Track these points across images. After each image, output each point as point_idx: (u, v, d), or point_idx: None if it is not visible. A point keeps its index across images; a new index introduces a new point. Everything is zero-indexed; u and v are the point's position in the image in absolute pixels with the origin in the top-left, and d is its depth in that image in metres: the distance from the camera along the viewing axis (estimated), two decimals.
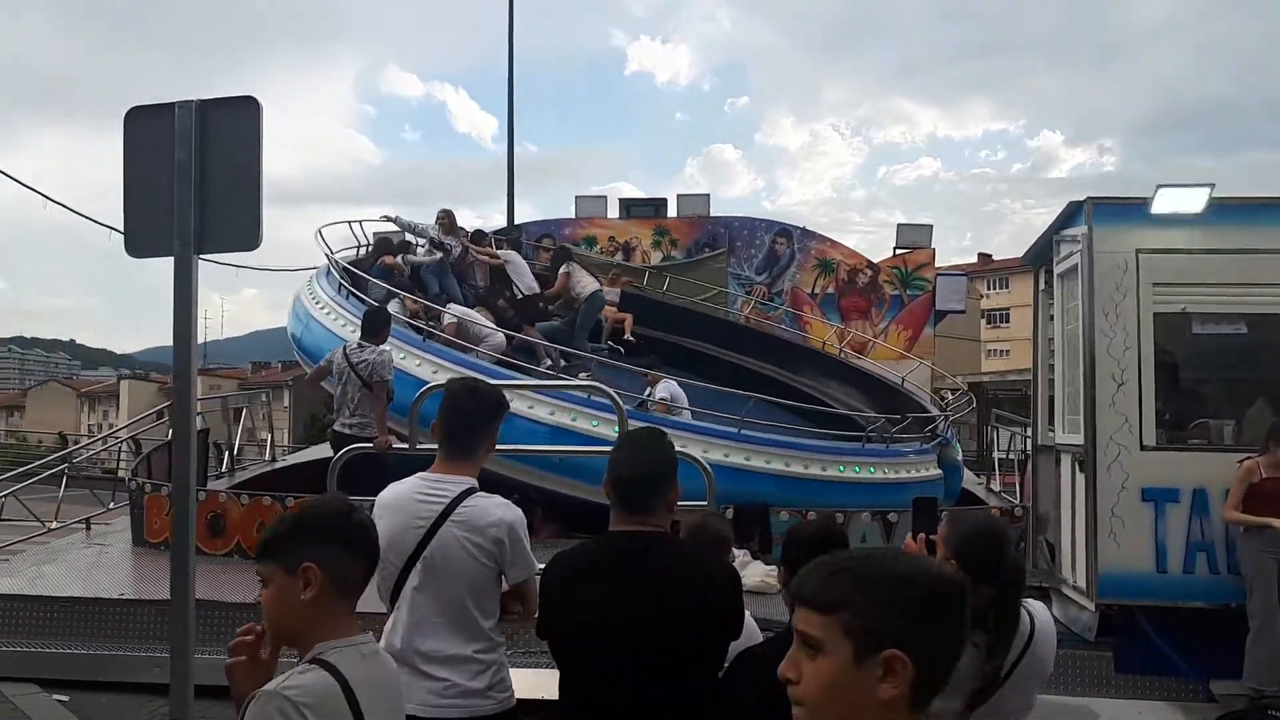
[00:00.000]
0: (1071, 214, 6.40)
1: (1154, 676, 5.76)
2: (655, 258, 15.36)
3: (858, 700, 1.25)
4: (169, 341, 3.83)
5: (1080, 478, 6.07)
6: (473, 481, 2.85)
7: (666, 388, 9.17)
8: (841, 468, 8.83)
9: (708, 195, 16.17)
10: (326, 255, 10.86)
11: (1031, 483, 7.67)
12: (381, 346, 7.30)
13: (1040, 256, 7.21)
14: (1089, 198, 6.12)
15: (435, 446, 2.93)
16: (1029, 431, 8.31)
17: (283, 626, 1.88)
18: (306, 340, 9.94)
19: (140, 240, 3.82)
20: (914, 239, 15.60)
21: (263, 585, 1.90)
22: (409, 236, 11.55)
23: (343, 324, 9.35)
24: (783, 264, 15.43)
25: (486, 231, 12.31)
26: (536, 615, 2.60)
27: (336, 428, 7.36)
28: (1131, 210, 6.01)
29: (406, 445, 5.86)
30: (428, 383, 6.38)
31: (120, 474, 13.12)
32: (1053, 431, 7.02)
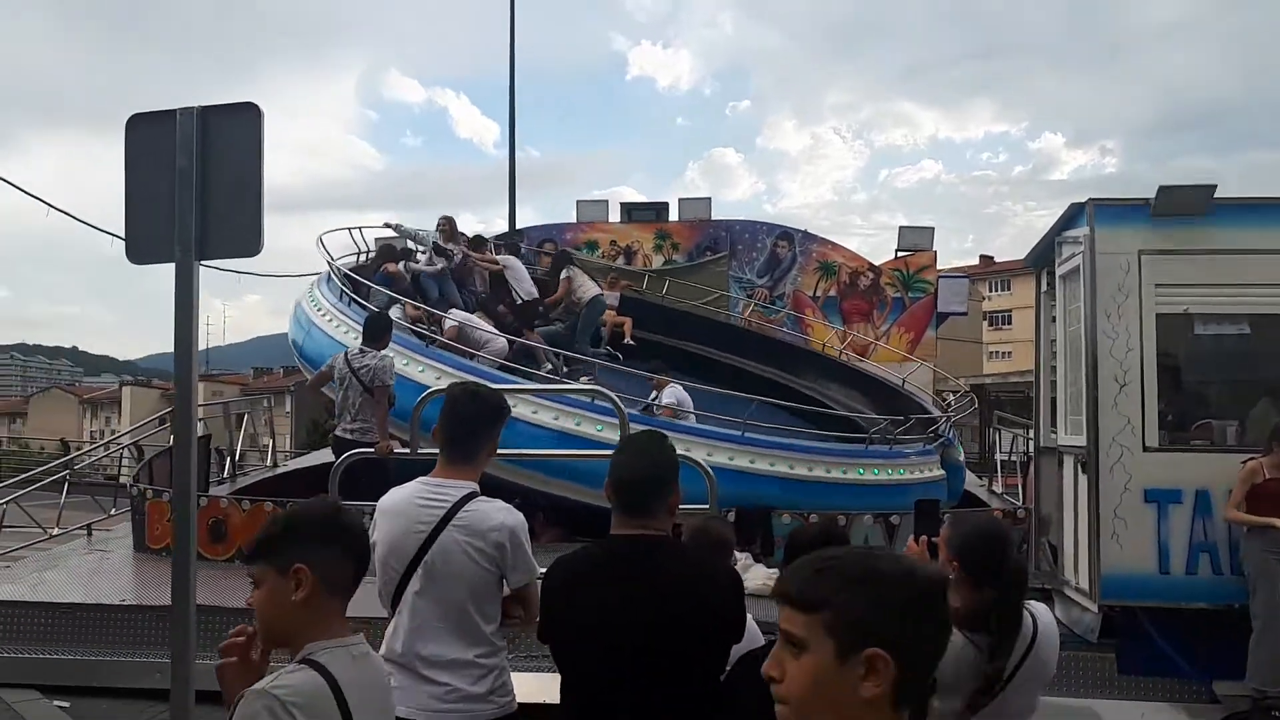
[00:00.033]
0: (1073, 215, 6.39)
1: (1157, 678, 5.75)
2: (657, 261, 15.35)
3: (841, 699, 1.26)
4: (171, 348, 3.83)
5: (1083, 479, 6.06)
6: (474, 486, 2.84)
7: (673, 393, 9.16)
8: (845, 470, 8.83)
9: (709, 199, 16.18)
10: (328, 262, 10.88)
11: (1034, 484, 7.66)
12: (383, 352, 7.30)
13: (1042, 258, 7.21)
14: (1091, 199, 6.12)
15: (436, 451, 2.93)
16: (1031, 433, 8.30)
17: (274, 627, 1.89)
18: (308, 347, 9.94)
19: (141, 247, 3.82)
20: (916, 241, 15.59)
21: (254, 586, 1.91)
22: (410, 244, 11.57)
23: (345, 330, 9.36)
24: (784, 267, 15.43)
25: (486, 237, 12.32)
26: (538, 620, 2.60)
27: (338, 433, 7.37)
28: (1133, 211, 6.01)
29: (408, 450, 5.86)
30: (430, 388, 6.38)
31: (122, 480, 13.13)
32: (1055, 433, 7.01)
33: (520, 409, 7.95)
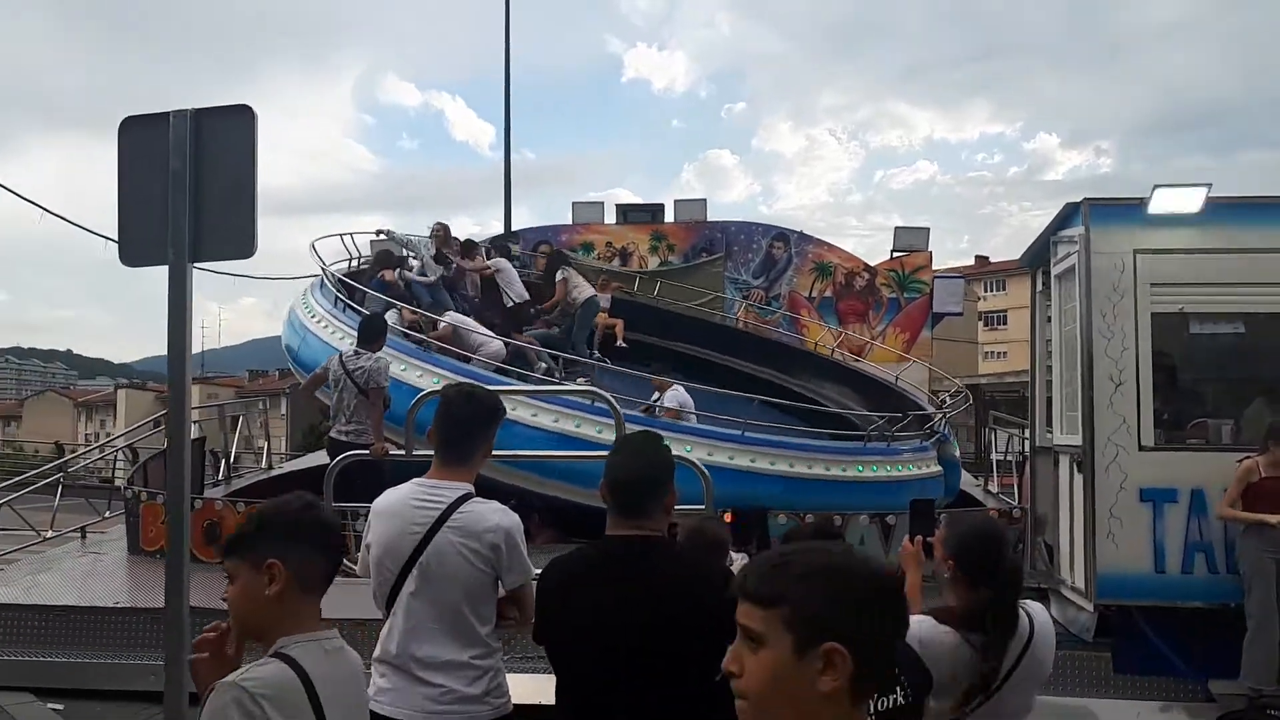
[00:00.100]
0: (1069, 215, 6.40)
1: (1152, 677, 5.76)
2: (652, 263, 15.34)
3: (798, 693, 1.26)
4: (166, 351, 3.82)
5: (1078, 478, 6.06)
6: (469, 487, 2.84)
7: (675, 396, 9.16)
8: (844, 467, 8.88)
9: (704, 200, 16.17)
10: (322, 268, 10.86)
11: (1030, 484, 7.66)
12: (378, 354, 7.29)
13: (1037, 258, 7.21)
14: (1086, 199, 6.12)
15: (432, 452, 2.92)
16: (1027, 433, 8.31)
17: (248, 621, 1.93)
18: (304, 354, 9.91)
19: (135, 249, 3.81)
20: (911, 242, 15.61)
21: (229, 581, 1.94)
22: (405, 250, 11.56)
23: (340, 337, 9.33)
24: (780, 268, 15.43)
25: (476, 241, 12.34)
26: (533, 621, 2.59)
27: (333, 435, 7.35)
28: (1129, 211, 6.02)
29: (403, 451, 5.85)
30: (425, 391, 6.37)
31: (116, 483, 13.10)
32: (1051, 433, 7.01)
33: (520, 412, 7.95)
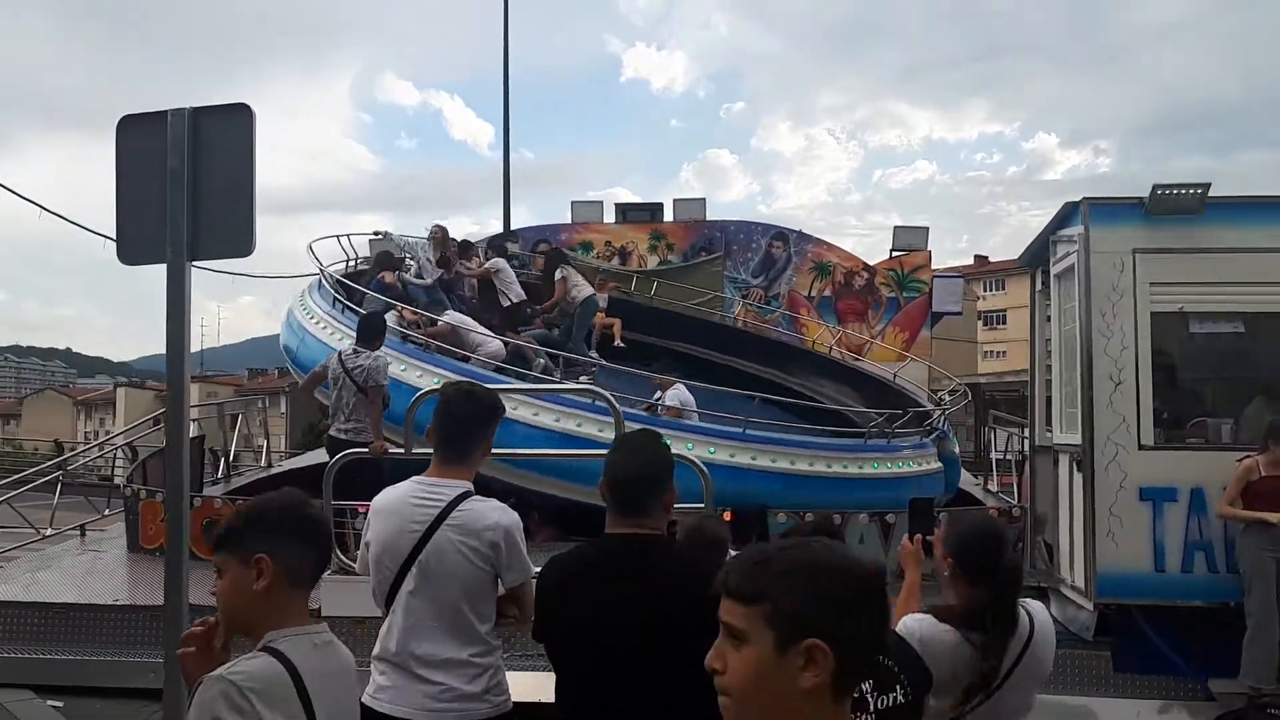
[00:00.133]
0: (1068, 214, 6.40)
1: (1152, 676, 5.76)
2: (652, 262, 15.35)
3: (780, 690, 1.26)
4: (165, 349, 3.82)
5: (1078, 477, 6.06)
6: (468, 485, 2.83)
7: (676, 395, 9.17)
8: (845, 464, 8.90)
9: (704, 200, 16.18)
10: (320, 270, 10.86)
11: (1029, 483, 7.66)
12: (376, 352, 7.28)
13: (1037, 257, 7.21)
14: (1085, 198, 6.12)
15: (431, 451, 2.91)
16: (1026, 432, 8.31)
17: (237, 616, 1.94)
18: (302, 355, 9.90)
19: (133, 248, 3.81)
20: (910, 241, 15.61)
21: (218, 576, 1.95)
22: (403, 253, 11.58)
23: (339, 338, 9.32)
24: (779, 267, 15.43)
25: (472, 242, 12.36)
26: (532, 619, 2.59)
27: (332, 433, 7.34)
28: (1128, 210, 6.02)
29: (402, 449, 5.84)
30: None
31: (116, 481, 13.09)
32: (1050, 432, 7.01)
33: (521, 411, 7.95)
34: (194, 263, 3.75)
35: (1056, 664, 2.66)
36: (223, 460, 11.14)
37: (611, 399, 6.02)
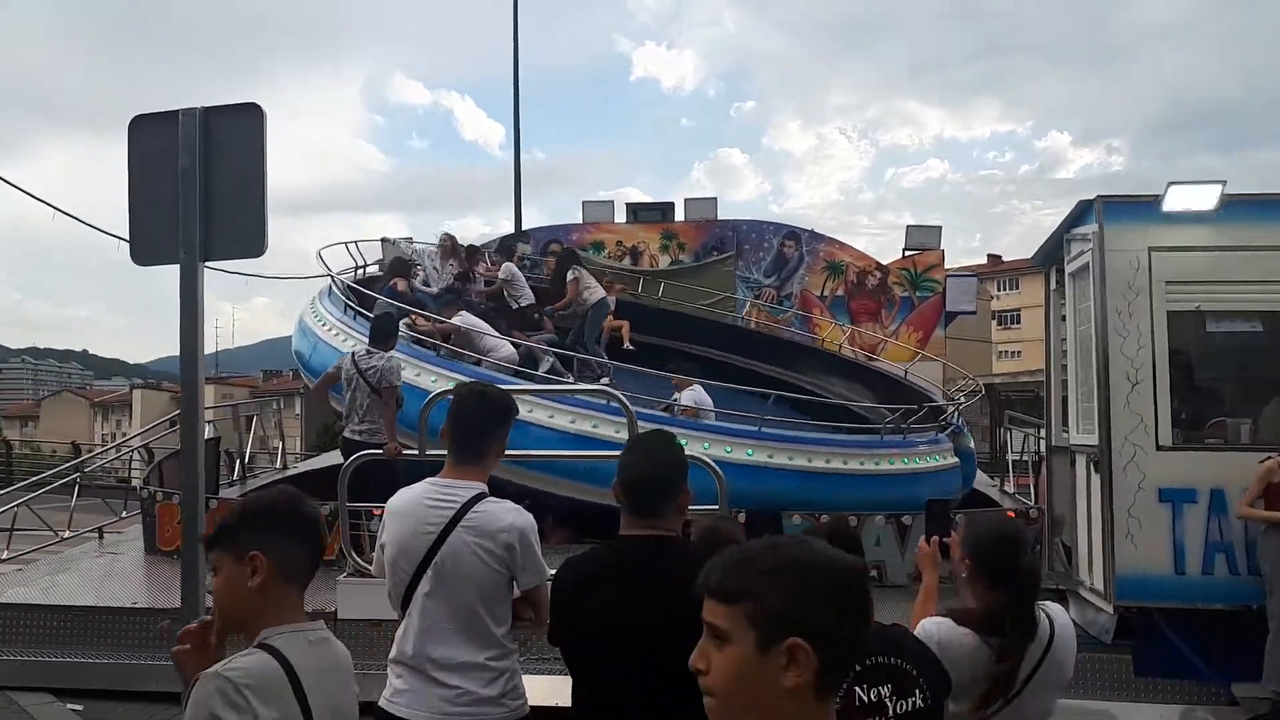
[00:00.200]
0: (1082, 213, 6.35)
1: (1174, 679, 5.70)
2: (663, 262, 15.34)
3: (763, 689, 1.26)
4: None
5: (1096, 479, 6.01)
6: (483, 486, 2.82)
7: (692, 395, 9.16)
8: (862, 461, 8.88)
9: (715, 199, 16.17)
10: (332, 277, 10.90)
11: (1046, 484, 7.61)
12: (389, 353, 7.30)
13: (1051, 256, 7.16)
14: (1099, 196, 6.07)
15: (445, 452, 2.91)
16: (1042, 433, 8.25)
17: (232, 613, 1.95)
18: (315, 361, 9.92)
19: (146, 248, 3.82)
20: (923, 240, 15.55)
21: (213, 573, 1.96)
22: (416, 257, 11.63)
23: (351, 344, 9.34)
24: (791, 267, 15.39)
25: (478, 246, 12.41)
26: (548, 622, 2.58)
27: (346, 434, 7.38)
28: (1143, 208, 5.96)
29: (416, 451, 5.85)
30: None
31: (133, 483, 13.17)
32: (1067, 432, 6.96)
33: (536, 413, 7.96)
34: (207, 263, 3.75)
35: (1076, 668, 2.63)
36: (238, 462, 11.19)
37: (624, 399, 6.00)
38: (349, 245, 12.22)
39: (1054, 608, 2.58)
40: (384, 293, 10.17)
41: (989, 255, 64.70)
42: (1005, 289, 57.16)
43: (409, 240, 13.42)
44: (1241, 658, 5.45)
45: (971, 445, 11.03)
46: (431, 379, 8.54)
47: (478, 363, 9.05)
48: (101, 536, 9.36)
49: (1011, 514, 8.22)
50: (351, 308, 9.99)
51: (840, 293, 15.26)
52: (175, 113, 3.71)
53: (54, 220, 8.63)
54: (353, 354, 7.43)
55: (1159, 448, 5.71)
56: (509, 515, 2.76)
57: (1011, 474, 11.61)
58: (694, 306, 14.31)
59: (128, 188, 3.80)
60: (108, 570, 7.99)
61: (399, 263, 10.96)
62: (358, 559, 5.94)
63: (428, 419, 5.50)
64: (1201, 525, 5.63)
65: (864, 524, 7.32)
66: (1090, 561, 6.19)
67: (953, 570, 2.65)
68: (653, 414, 8.40)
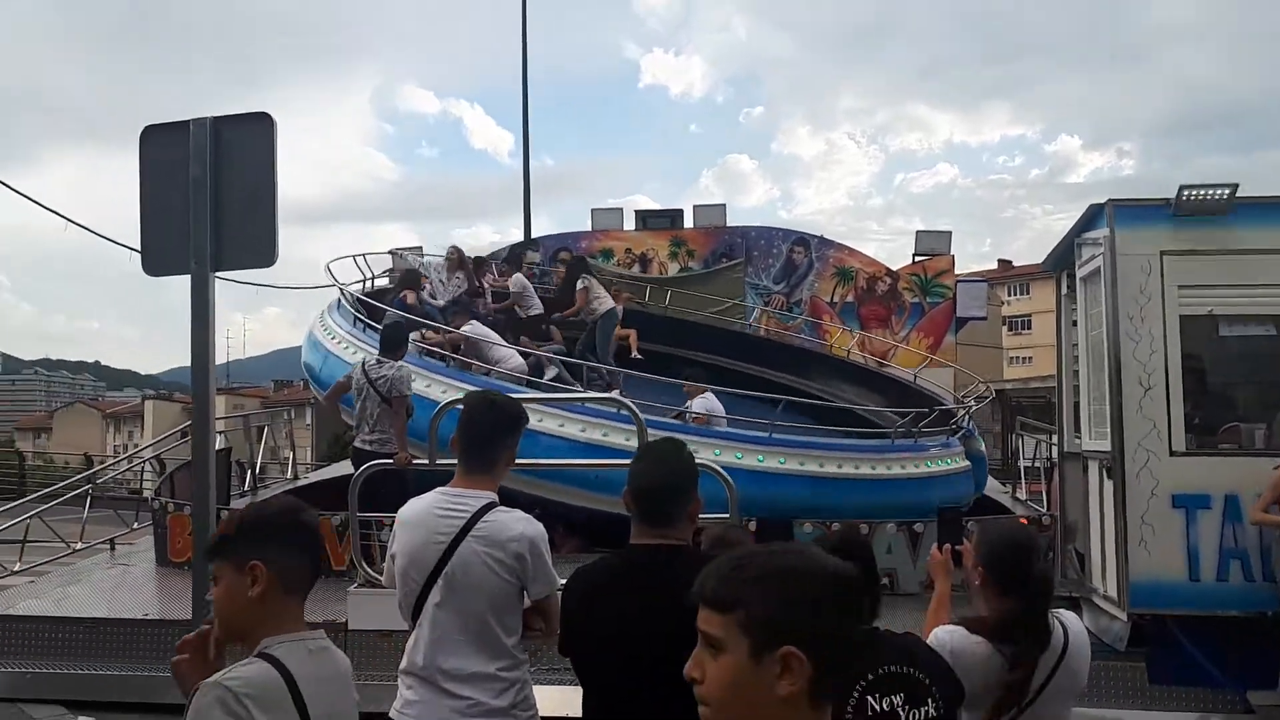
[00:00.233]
0: (1093, 217, 6.32)
1: (1189, 687, 5.64)
2: (672, 269, 15.35)
3: (758, 698, 1.25)
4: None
5: (1108, 485, 5.97)
6: (493, 496, 2.82)
7: (703, 403, 9.16)
8: (873, 465, 8.86)
9: (724, 205, 16.17)
10: (341, 290, 10.93)
11: (1059, 491, 7.56)
12: (400, 362, 7.32)
13: (1062, 261, 7.13)
14: (1110, 200, 6.05)
15: (455, 461, 2.91)
16: (1054, 439, 8.20)
17: (232, 623, 1.96)
18: (325, 375, 9.93)
19: (157, 259, 3.85)
20: (933, 245, 15.52)
21: (214, 583, 1.97)
22: (423, 269, 11.67)
23: (361, 358, 9.35)
24: (801, 273, 15.38)
25: (485, 258, 12.43)
26: (559, 632, 2.57)
27: (357, 444, 7.39)
28: (1154, 212, 5.93)
29: (426, 460, 5.85)
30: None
31: (145, 494, 13.21)
32: (1079, 438, 6.92)
33: (546, 422, 7.96)
34: (217, 273, 3.78)
35: (1090, 675, 2.61)
36: (249, 473, 11.22)
37: (634, 407, 6.00)
38: (356, 258, 12.27)
39: (1068, 615, 2.56)
40: (394, 305, 10.20)
41: (999, 260, 64.45)
42: (1016, 294, 56.93)
43: (418, 251, 13.48)
44: (1257, 665, 5.40)
45: (983, 449, 10.98)
46: (441, 390, 8.55)
47: (487, 373, 9.06)
48: (113, 548, 9.38)
49: (1024, 520, 8.18)
50: (361, 320, 10.02)
51: (850, 299, 15.23)
52: (186, 123, 3.74)
53: (66, 231, 8.66)
54: (363, 363, 7.45)
55: (1172, 453, 5.66)
56: (519, 525, 2.76)
57: (1024, 480, 11.55)
58: (703, 315, 14.29)
59: (139, 198, 3.83)
60: (119, 582, 8.00)
61: (410, 275, 10.99)
62: (368, 569, 5.94)
63: (438, 429, 5.51)
64: (1216, 531, 5.58)
65: (875, 532, 7.28)
66: (1103, 568, 6.14)
67: (965, 578, 2.63)
68: (663, 421, 8.39)
